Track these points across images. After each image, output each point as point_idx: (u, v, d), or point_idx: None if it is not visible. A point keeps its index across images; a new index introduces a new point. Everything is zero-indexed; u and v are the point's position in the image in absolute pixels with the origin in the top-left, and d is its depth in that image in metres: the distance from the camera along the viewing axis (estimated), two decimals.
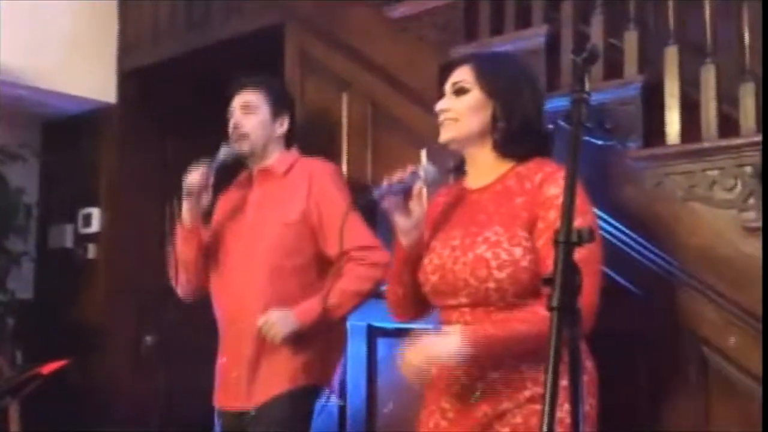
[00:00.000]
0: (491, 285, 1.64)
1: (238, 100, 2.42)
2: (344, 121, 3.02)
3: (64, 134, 4.21)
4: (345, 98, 3.02)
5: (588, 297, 1.42)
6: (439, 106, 1.79)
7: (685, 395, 2.05)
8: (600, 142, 2.26)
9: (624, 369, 2.12)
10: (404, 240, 1.77)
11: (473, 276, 1.66)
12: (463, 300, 1.69)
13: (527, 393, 1.65)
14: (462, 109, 1.77)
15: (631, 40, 2.33)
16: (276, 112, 2.41)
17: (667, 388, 2.07)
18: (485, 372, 1.66)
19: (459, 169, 1.87)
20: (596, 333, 1.61)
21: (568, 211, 1.24)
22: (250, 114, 2.39)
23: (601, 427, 1.69)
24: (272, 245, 2.30)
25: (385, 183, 1.73)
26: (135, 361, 3.76)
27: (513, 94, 1.77)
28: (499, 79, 1.78)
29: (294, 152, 2.47)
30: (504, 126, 1.75)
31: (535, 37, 2.49)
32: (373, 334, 2.76)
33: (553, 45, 2.48)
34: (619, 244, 2.19)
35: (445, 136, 1.79)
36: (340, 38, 3.03)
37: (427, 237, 1.80)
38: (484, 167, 1.79)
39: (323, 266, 2.32)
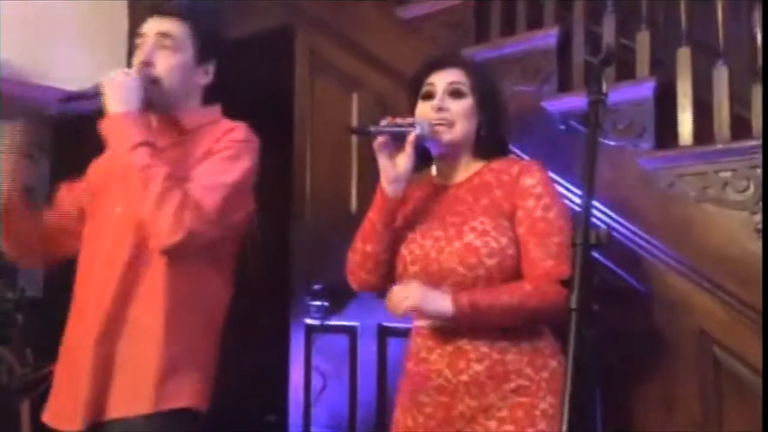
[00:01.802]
0: (481, 272, 1.70)
1: (155, 26, 1.84)
2: (354, 120, 3.02)
3: (75, 133, 4.21)
4: (355, 98, 3.03)
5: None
6: (438, 104, 1.82)
7: (698, 396, 2.05)
8: (612, 143, 2.26)
9: (636, 369, 2.13)
10: (389, 188, 1.79)
11: (462, 263, 1.71)
12: (447, 290, 1.72)
13: (512, 385, 1.70)
14: (459, 113, 1.84)
15: (643, 40, 2.33)
16: (202, 55, 1.88)
17: (680, 388, 2.08)
18: (469, 364, 1.68)
19: (423, 159, 1.91)
20: (607, 333, 1.62)
21: (585, 213, 1.25)
22: (166, 49, 1.82)
23: (615, 427, 1.70)
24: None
25: (384, 121, 1.76)
26: None
27: (497, 105, 1.90)
28: (489, 89, 1.90)
29: (215, 110, 1.96)
30: (487, 134, 1.84)
31: (546, 37, 2.49)
32: (383, 334, 2.78)
33: (564, 45, 2.48)
34: (631, 245, 2.20)
35: (446, 138, 1.83)
36: (351, 38, 3.03)
37: (401, 226, 1.83)
38: (460, 166, 1.87)
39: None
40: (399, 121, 1.81)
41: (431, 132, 1.81)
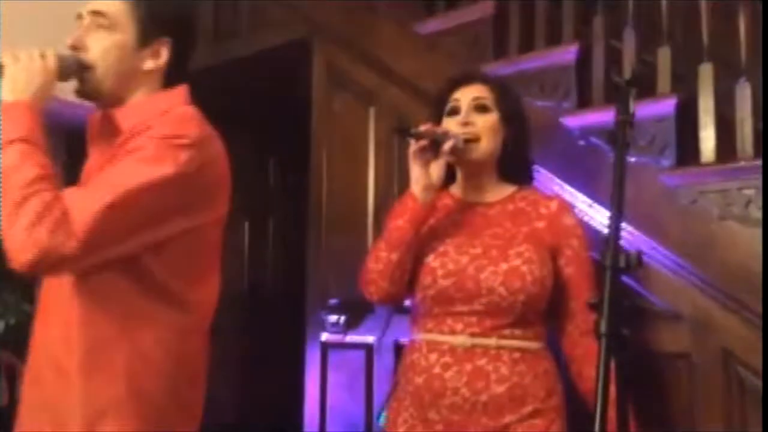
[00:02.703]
0: (521, 297, 1.71)
1: (90, 5, 1.54)
2: (371, 135, 3.02)
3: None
4: (372, 112, 3.02)
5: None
6: (464, 118, 1.82)
7: (723, 416, 2.02)
8: (633, 159, 2.25)
9: (662, 389, 2.10)
10: (421, 195, 1.78)
11: (506, 286, 1.71)
12: (479, 307, 1.72)
13: (529, 408, 1.71)
14: (485, 128, 1.84)
15: (664, 56, 2.31)
16: (147, 34, 1.52)
17: (705, 408, 2.05)
18: (489, 385, 1.68)
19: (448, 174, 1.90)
20: (634, 354, 1.60)
21: (614, 236, 1.23)
22: (101, 30, 1.51)
23: None
24: None
25: (423, 127, 1.76)
26: None
27: (522, 122, 1.91)
28: (514, 106, 1.90)
29: (169, 97, 1.55)
30: (512, 151, 1.83)
31: (565, 53, 2.48)
32: (400, 350, 2.76)
33: (583, 61, 2.47)
34: (653, 262, 2.17)
35: (474, 155, 1.82)
36: (369, 53, 3.03)
37: (426, 237, 1.82)
38: (487, 185, 1.87)
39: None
40: (437, 129, 1.82)
41: (463, 147, 1.82)
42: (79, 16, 1.54)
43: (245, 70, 3.65)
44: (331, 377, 2.98)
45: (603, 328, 1.16)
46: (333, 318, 2.94)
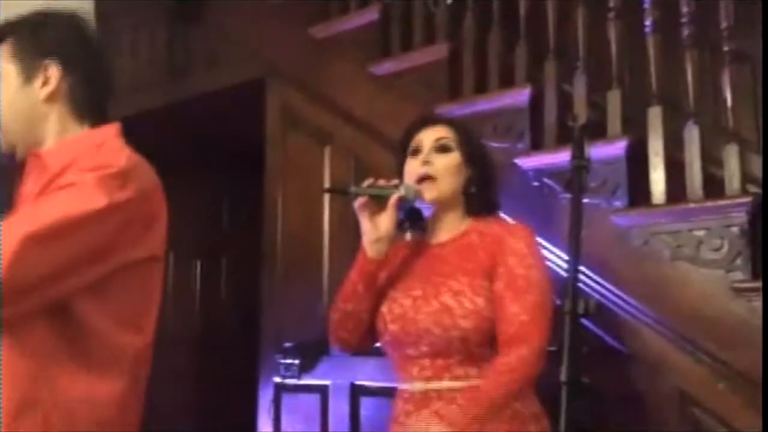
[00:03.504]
0: (455, 333, 1.67)
1: None
2: (326, 175, 3.01)
3: None
4: (328, 152, 3.02)
5: (538, 342, 1.58)
6: (425, 157, 1.81)
7: None
8: (586, 201, 2.26)
9: (615, 429, 2.10)
10: (370, 249, 1.75)
11: (437, 324, 1.68)
12: (424, 349, 1.69)
13: (532, 428, 1.66)
14: (445, 168, 1.82)
15: (614, 99, 2.36)
16: (30, 66, 1.46)
17: None
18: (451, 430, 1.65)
19: (413, 222, 1.88)
20: (585, 390, 1.60)
21: (572, 281, 1.23)
22: None
23: None
24: None
25: (365, 183, 1.73)
26: None
27: (485, 161, 1.88)
28: (476, 146, 1.88)
29: (98, 134, 1.48)
30: (476, 191, 1.81)
31: (519, 95, 2.51)
32: (356, 393, 2.72)
33: (536, 103, 2.50)
34: (605, 302, 2.19)
35: (429, 195, 1.80)
36: (323, 93, 3.03)
37: (383, 285, 1.80)
38: (447, 224, 1.84)
39: None
40: (381, 182, 1.78)
41: (415, 193, 1.79)
42: None
43: (199, 109, 3.63)
44: (285, 420, 2.92)
45: (564, 375, 1.14)
46: (287, 360, 2.89)
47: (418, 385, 1.71)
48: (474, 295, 1.69)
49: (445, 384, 1.68)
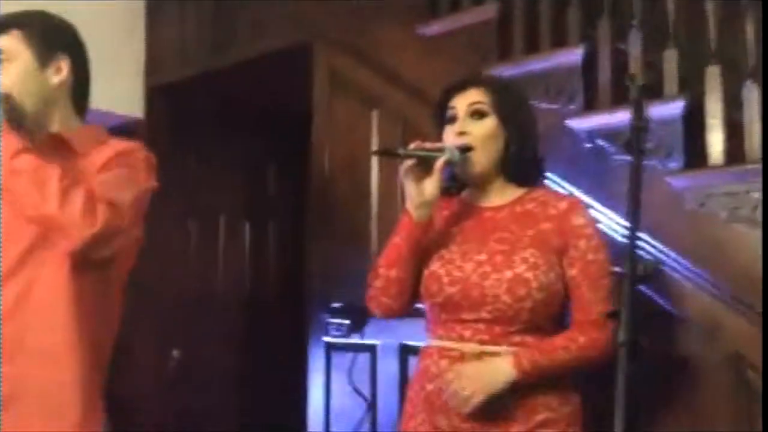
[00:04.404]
0: (527, 304, 1.68)
1: None
2: (374, 138, 3.00)
3: None
4: (375, 116, 3.01)
5: (611, 330, 1.52)
6: (459, 128, 1.79)
7: (732, 419, 2.01)
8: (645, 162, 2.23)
9: (668, 394, 2.09)
10: (416, 213, 1.76)
11: (510, 293, 1.68)
12: (485, 315, 1.70)
13: (540, 417, 1.69)
14: (482, 135, 1.80)
15: (670, 58, 2.30)
16: (45, 55, 1.72)
17: (714, 411, 2.04)
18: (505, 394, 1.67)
19: (458, 185, 1.88)
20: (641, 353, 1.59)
21: (631, 245, 1.22)
22: (4, 62, 1.69)
23: None
24: None
25: (412, 145, 1.73)
26: (159, 378, 3.75)
27: (525, 121, 1.85)
28: (514, 105, 1.85)
29: (102, 129, 1.82)
30: (516, 153, 1.78)
31: (571, 55, 2.46)
32: (405, 352, 2.74)
33: (589, 63, 2.46)
34: (660, 265, 2.16)
35: (471, 171, 1.80)
36: (370, 56, 3.01)
37: (431, 246, 1.80)
38: (493, 188, 1.84)
39: None
40: (428, 145, 1.78)
41: (460, 157, 1.78)
42: None
43: (245, 75, 3.63)
44: (335, 379, 2.97)
45: (622, 336, 1.14)
46: (336, 320, 2.92)
47: (471, 346, 1.71)
48: (548, 269, 1.71)
49: (503, 349, 1.70)
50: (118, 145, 1.74)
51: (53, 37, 1.74)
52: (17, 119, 1.66)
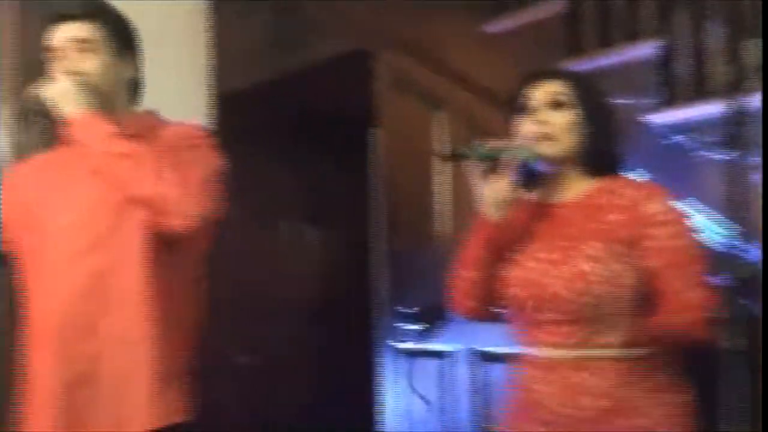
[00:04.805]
0: (588, 300, 1.59)
1: (69, 32, 1.74)
2: (438, 138, 2.97)
3: None
4: (438, 116, 2.98)
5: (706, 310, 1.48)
6: (538, 117, 1.74)
7: None
8: (722, 156, 2.15)
9: None
10: (489, 214, 1.70)
11: (568, 289, 1.61)
12: (557, 316, 1.63)
13: (634, 421, 1.57)
14: (561, 126, 1.73)
15: (752, 49, 2.21)
16: (123, 44, 1.80)
17: None
18: (585, 401, 1.60)
19: (530, 183, 1.82)
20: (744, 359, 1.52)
21: (764, 265, 1.15)
22: (87, 51, 1.74)
23: None
24: None
25: (479, 145, 1.69)
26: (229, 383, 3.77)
27: (603, 112, 1.77)
28: (592, 96, 1.77)
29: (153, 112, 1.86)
30: (595, 145, 1.72)
31: (646, 48, 2.39)
32: (478, 358, 2.71)
33: (665, 56, 2.38)
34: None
35: (546, 152, 1.73)
36: (433, 55, 2.98)
37: (507, 249, 1.75)
38: (568, 183, 1.75)
39: None
40: (495, 144, 1.73)
41: (531, 152, 1.73)
42: (55, 48, 1.72)
43: (307, 78, 3.63)
44: (405, 385, 2.94)
45: (727, 343, 1.08)
46: (407, 326, 2.90)
47: (547, 352, 1.66)
48: (612, 261, 1.62)
49: (582, 352, 1.64)
50: (178, 128, 1.76)
51: (129, 35, 1.82)
52: (97, 106, 1.69)
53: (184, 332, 1.72)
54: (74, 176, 1.69)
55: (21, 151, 1.81)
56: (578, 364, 1.63)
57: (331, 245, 4.24)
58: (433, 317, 2.79)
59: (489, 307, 1.79)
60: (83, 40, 1.72)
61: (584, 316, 1.61)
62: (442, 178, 2.98)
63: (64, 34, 1.73)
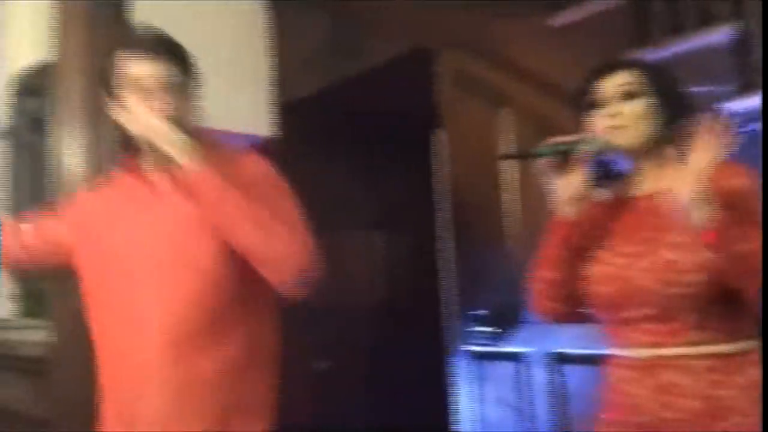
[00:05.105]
0: (678, 290, 1.53)
1: (152, 70, 1.67)
2: (504, 136, 2.92)
3: None
4: (504, 114, 2.93)
5: None
6: (609, 109, 1.68)
7: None
8: None
9: None
10: (563, 211, 1.65)
11: (658, 281, 1.55)
12: (645, 311, 1.57)
13: (727, 423, 1.51)
14: (632, 116, 1.68)
15: None
16: (191, 73, 1.78)
17: None
18: (677, 401, 1.53)
19: (605, 177, 1.76)
20: None
21: None
22: (171, 91, 1.69)
23: None
24: None
25: (546, 142, 1.65)
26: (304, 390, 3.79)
27: (678, 101, 1.71)
28: (665, 84, 1.70)
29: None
30: (671, 131, 1.65)
31: (719, 35, 2.30)
32: (556, 360, 2.65)
33: (739, 43, 2.29)
34: None
35: (619, 142, 1.67)
36: (496, 53, 2.94)
37: (589, 246, 1.69)
38: (648, 174, 1.70)
39: None
40: (564, 139, 1.68)
41: (602, 144, 1.67)
42: (135, 78, 1.65)
43: (366, 85, 3.62)
44: (480, 389, 2.90)
45: None
46: (481, 328, 2.86)
47: (643, 352, 1.59)
48: (699, 247, 1.51)
49: (675, 350, 1.57)
50: (248, 163, 1.75)
51: (186, 53, 1.76)
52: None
53: (261, 346, 1.74)
54: (147, 203, 1.68)
55: (95, 172, 1.84)
56: (673, 363, 1.56)
57: (399, 249, 4.23)
58: (505, 319, 2.75)
59: (572, 308, 1.74)
60: (167, 77, 1.65)
61: (675, 310, 1.54)
62: (509, 176, 2.93)
63: (149, 68, 1.65)
